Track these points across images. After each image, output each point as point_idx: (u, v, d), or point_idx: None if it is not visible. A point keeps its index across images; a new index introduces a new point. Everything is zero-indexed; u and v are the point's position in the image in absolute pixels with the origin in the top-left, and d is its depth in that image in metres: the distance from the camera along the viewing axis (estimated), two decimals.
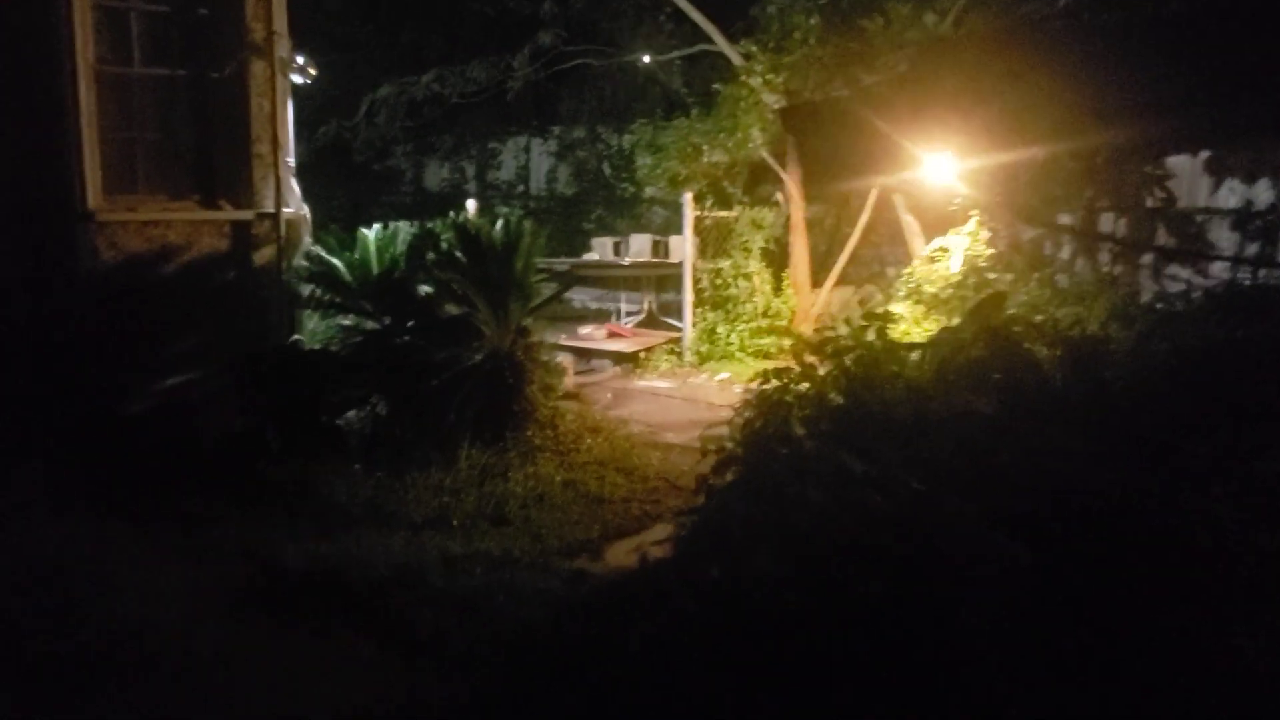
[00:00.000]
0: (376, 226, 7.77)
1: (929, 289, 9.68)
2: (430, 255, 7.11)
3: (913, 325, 9.38)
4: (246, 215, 7.57)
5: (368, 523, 5.64)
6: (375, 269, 7.49)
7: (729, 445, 6.04)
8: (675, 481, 6.81)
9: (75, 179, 6.62)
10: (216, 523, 5.50)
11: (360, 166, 18.45)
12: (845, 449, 4.85)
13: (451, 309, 6.76)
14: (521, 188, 21.86)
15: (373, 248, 7.58)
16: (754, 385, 7.00)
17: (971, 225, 9.58)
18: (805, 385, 6.38)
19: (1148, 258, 10.71)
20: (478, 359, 6.94)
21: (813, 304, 11.76)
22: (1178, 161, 10.25)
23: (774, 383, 6.32)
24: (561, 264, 12.77)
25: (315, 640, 4.33)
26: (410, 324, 6.98)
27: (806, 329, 11.44)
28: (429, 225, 7.47)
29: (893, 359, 5.99)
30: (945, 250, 9.74)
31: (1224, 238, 9.83)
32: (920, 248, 10.79)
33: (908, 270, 10.28)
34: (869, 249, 12.75)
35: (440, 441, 6.63)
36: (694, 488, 6.35)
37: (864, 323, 9.08)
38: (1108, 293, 9.75)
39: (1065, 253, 11.58)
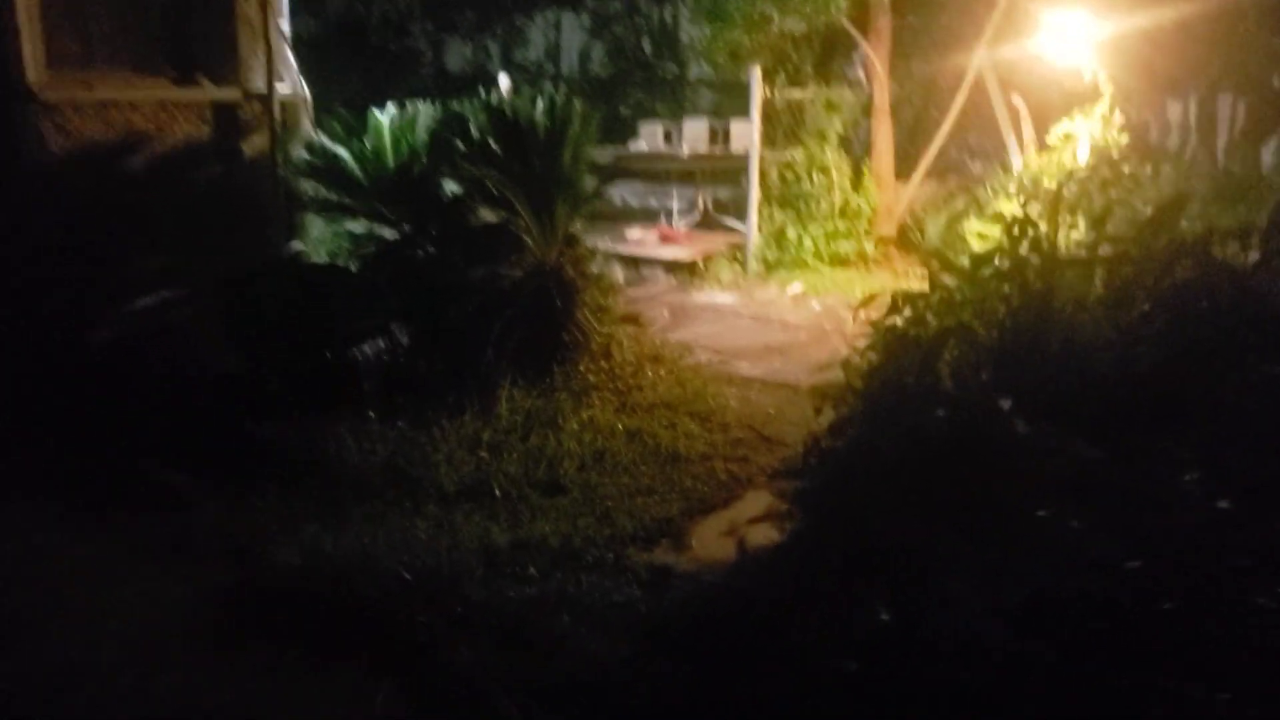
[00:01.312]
0: (391, 108, 6.47)
1: (1048, 184, 8.29)
2: (458, 145, 5.82)
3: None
4: (231, 95, 6.29)
5: (387, 495, 4.51)
6: (391, 162, 6.21)
7: (847, 398, 4.87)
8: (762, 430, 5.63)
9: (9, 49, 5.35)
10: (197, 503, 4.37)
11: (376, 48, 16.94)
12: (1036, 417, 3.64)
13: (486, 214, 5.52)
14: (551, 68, 20.31)
15: (387, 136, 6.29)
16: (866, 313, 5.81)
17: (1103, 107, 8.12)
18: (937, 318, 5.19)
19: None
20: (518, 276, 5.72)
21: (897, 201, 10.39)
22: None
23: (901, 315, 5.10)
24: (604, 155, 11.41)
25: (311, 684, 3.23)
26: (435, 233, 5.74)
27: (890, 229, 10.12)
28: (455, 107, 6.16)
29: (1055, 279, 4.74)
30: (1068, 138, 8.31)
31: None
32: (1029, 136, 9.35)
33: (1022, 162, 8.86)
34: (957, 140, 11.30)
35: (475, 381, 5.47)
36: (799, 447, 5.19)
37: (992, 230, 7.63)
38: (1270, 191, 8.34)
39: (1194, 141, 10.11)
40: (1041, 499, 3.39)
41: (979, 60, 9.59)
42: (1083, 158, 8.13)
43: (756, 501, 4.73)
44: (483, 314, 5.56)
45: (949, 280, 5.04)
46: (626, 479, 4.82)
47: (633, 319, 7.24)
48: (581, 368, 5.96)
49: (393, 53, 18.06)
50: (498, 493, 4.61)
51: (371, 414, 5.16)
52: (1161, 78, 8.65)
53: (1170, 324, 4.17)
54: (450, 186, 5.87)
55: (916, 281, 9.04)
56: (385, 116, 6.37)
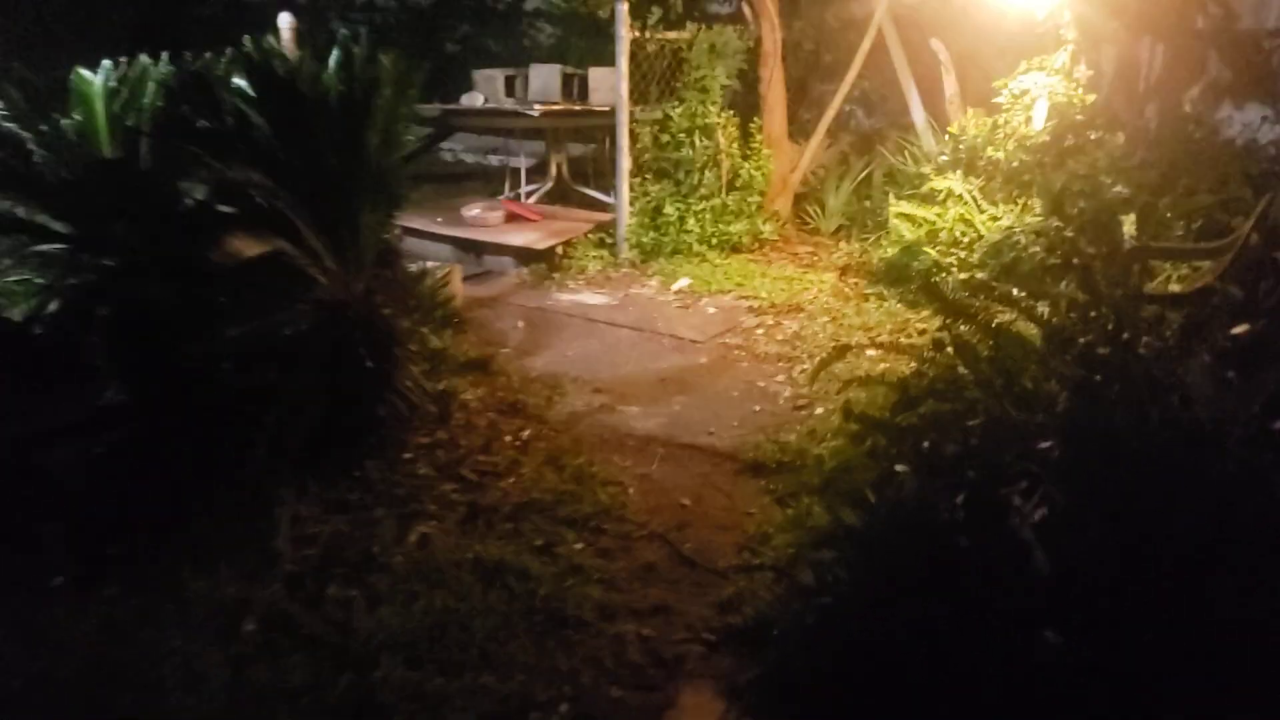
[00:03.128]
0: (106, 65, 4.48)
1: (994, 154, 6.88)
2: (203, 125, 3.91)
3: (974, 213, 6.62)
4: None
5: None
6: (106, 149, 4.25)
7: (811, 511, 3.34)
8: (679, 543, 4.00)
9: None
10: None
11: None
12: None
13: (247, 245, 3.62)
14: None
15: (101, 110, 4.32)
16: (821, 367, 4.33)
17: (1064, 57, 6.73)
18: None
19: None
20: (304, 328, 3.88)
21: (793, 167, 8.85)
22: None
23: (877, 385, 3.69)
24: (430, 110, 9.45)
25: None
26: (171, 264, 3.82)
27: (785, 204, 8.59)
28: (200, 65, 4.23)
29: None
30: (1018, 96, 6.90)
31: None
32: (952, 92, 7.93)
33: (951, 127, 7.43)
34: (855, 93, 9.87)
35: (240, 497, 3.64)
36: (738, 577, 3.61)
37: (924, 214, 6.30)
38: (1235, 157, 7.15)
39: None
40: None
41: None
42: (1039, 121, 6.73)
43: (697, 710, 3.09)
44: (250, 391, 3.70)
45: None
46: (485, 678, 3.11)
47: (482, 364, 5.44)
48: (408, 454, 4.20)
49: None
50: None
51: (59, 579, 3.27)
52: (1142, 19, 7.32)
53: None
54: (195, 190, 3.95)
55: (827, 274, 7.57)
56: (98, 78, 4.39)
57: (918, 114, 8.70)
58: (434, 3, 17.73)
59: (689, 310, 7.10)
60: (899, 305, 6.63)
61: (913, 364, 5.59)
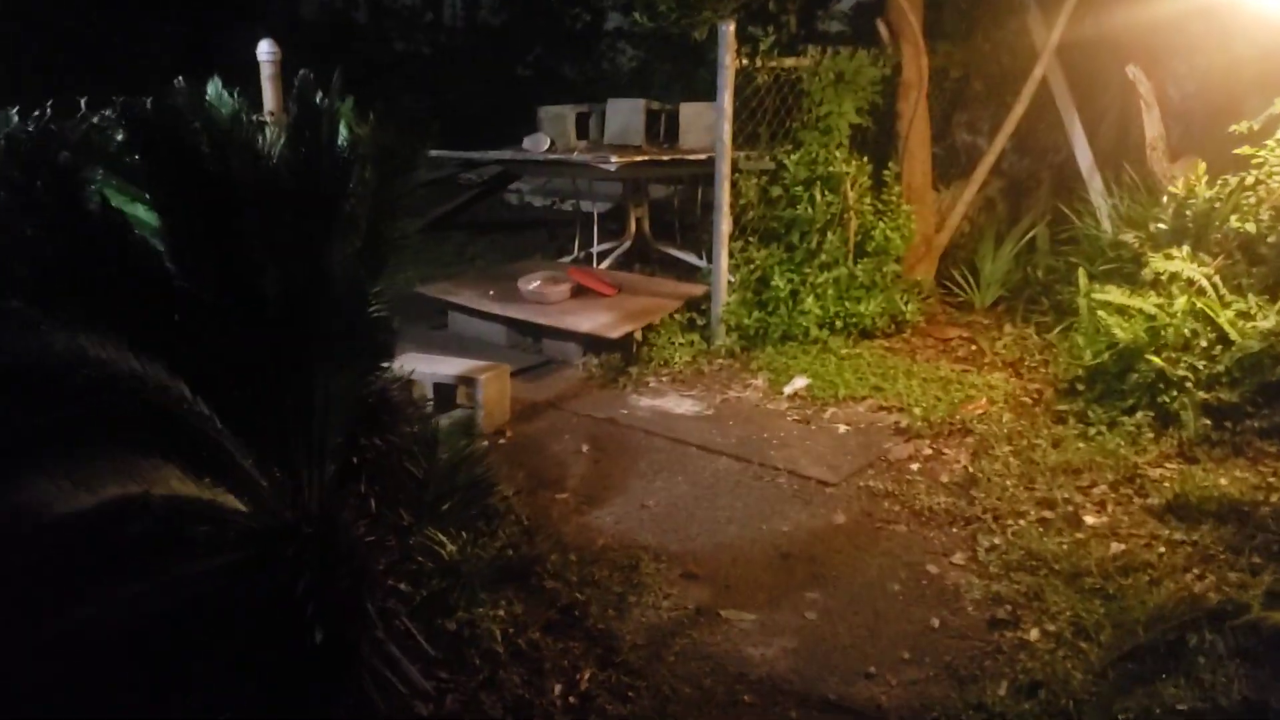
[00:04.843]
0: None
1: (1240, 226, 5.14)
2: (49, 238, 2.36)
3: (1215, 307, 4.90)
4: None
5: None
6: None
7: None
8: None
9: None
10: None
11: None
12: None
13: (75, 495, 2.05)
14: (430, 16, 16.79)
15: None
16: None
17: None
18: None
19: None
20: (206, 590, 2.31)
21: (939, 226, 7.18)
22: None
23: None
24: (486, 159, 7.99)
25: None
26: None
27: (928, 270, 6.92)
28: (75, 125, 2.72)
29: None
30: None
31: None
32: (1156, 133, 6.20)
33: (1174, 186, 5.69)
34: (972, 125, 8.23)
35: None
36: None
37: (1143, 304, 4.35)
38: None
39: None
40: None
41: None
42: None
43: None
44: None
45: None
46: None
47: (523, 568, 3.78)
48: None
49: None
50: None
51: None
52: None
53: None
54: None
55: (996, 375, 5.86)
56: None
57: (1083, 156, 7.00)
58: (507, 23, 16.45)
59: (810, 427, 5.44)
60: (1114, 436, 4.89)
61: (1163, 549, 3.93)
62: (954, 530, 4.30)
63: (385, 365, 3.03)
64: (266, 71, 4.42)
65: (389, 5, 16.64)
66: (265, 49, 4.49)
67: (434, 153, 8.32)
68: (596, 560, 3.99)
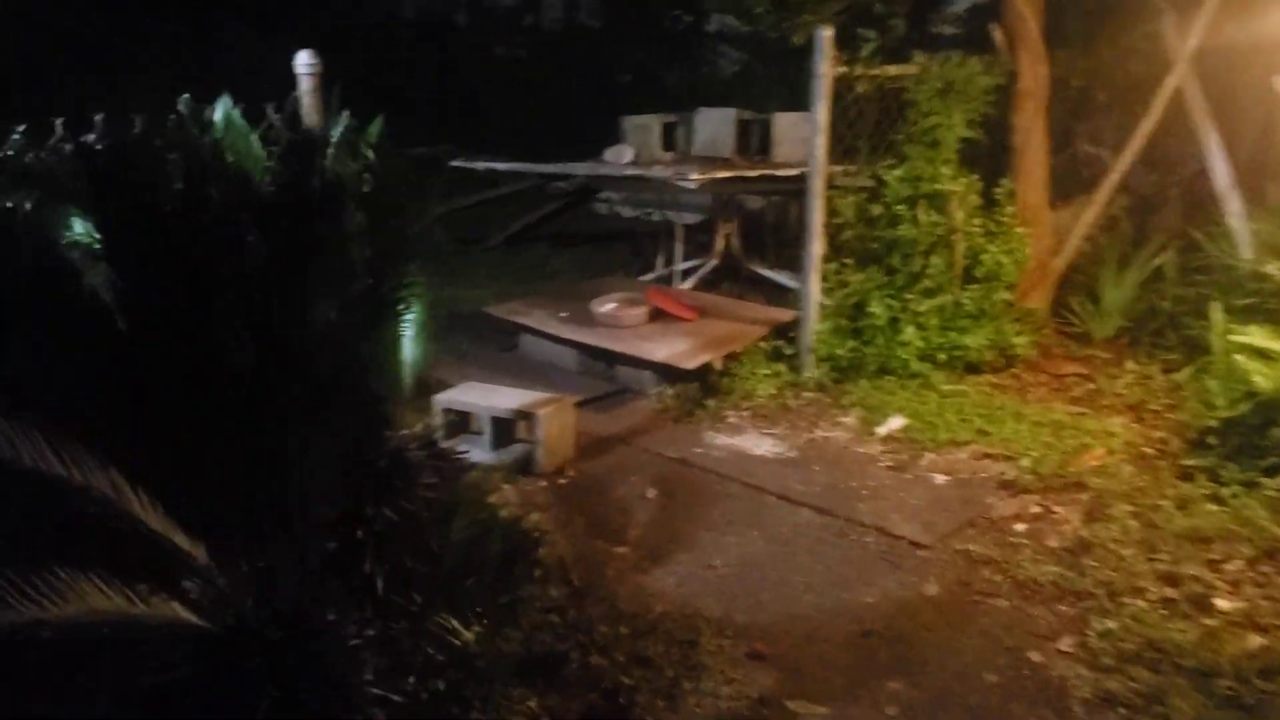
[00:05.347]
0: None
1: None
2: None
3: None
4: None
5: None
6: None
7: None
8: None
9: None
10: None
11: None
12: None
13: None
14: (530, 19, 16.59)
15: None
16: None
17: None
18: None
19: None
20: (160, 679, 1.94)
21: (1055, 249, 6.59)
22: None
23: None
24: (561, 172, 7.65)
25: None
26: None
27: (1043, 298, 6.35)
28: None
29: None
30: None
31: None
32: None
33: None
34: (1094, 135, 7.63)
35: None
36: None
37: None
38: None
39: None
40: None
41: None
42: None
43: None
44: None
45: None
46: None
47: (554, 661, 3.36)
48: None
49: None
50: None
51: None
52: None
53: None
54: None
55: (1115, 419, 5.28)
56: None
57: (1220, 174, 6.34)
58: (604, 27, 16.15)
59: (904, 476, 4.93)
60: (1251, 501, 4.28)
61: None
62: (1062, 608, 3.77)
63: (388, 432, 2.64)
64: (305, 85, 4.10)
65: (490, 4, 16.51)
66: (304, 60, 4.15)
67: (506, 166, 8.02)
68: (651, 632, 3.57)
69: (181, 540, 1.86)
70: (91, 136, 2.28)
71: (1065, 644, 3.55)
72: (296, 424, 2.01)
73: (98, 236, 1.98)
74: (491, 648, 2.82)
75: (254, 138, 2.64)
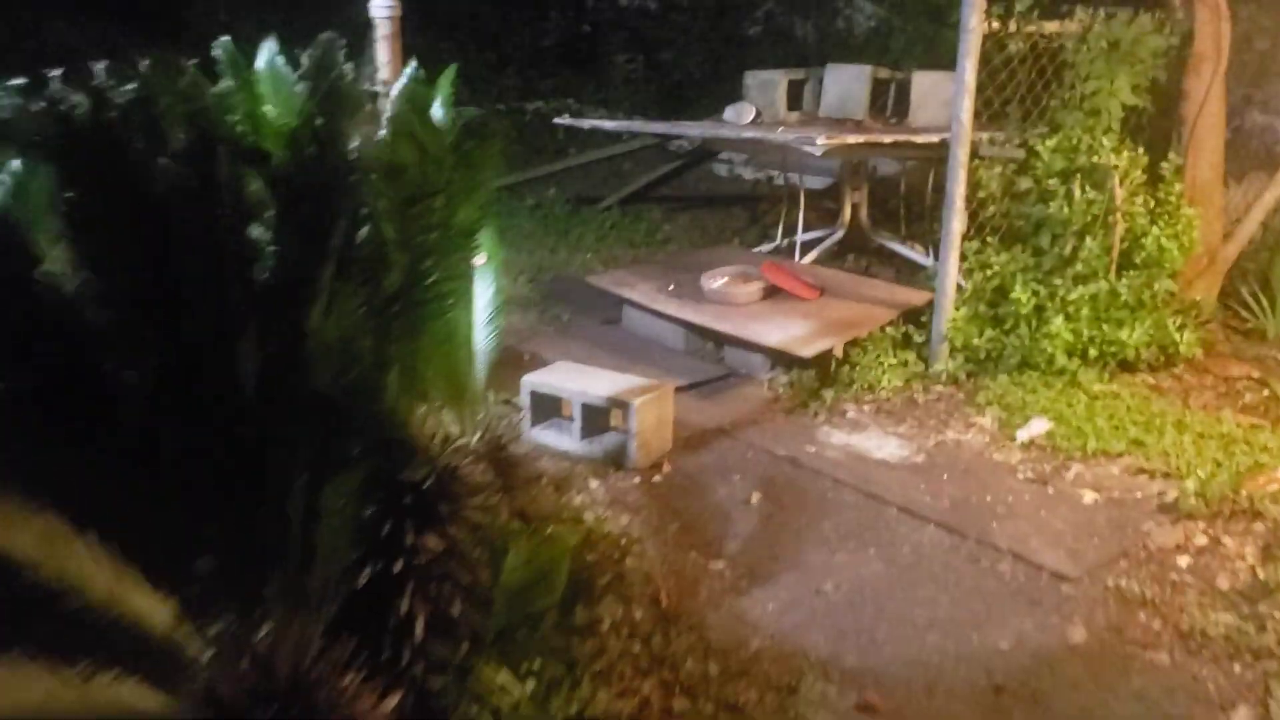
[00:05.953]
0: None
1: None
2: None
3: None
4: None
5: None
6: None
7: None
8: None
9: None
10: None
11: None
12: None
13: None
14: None
15: None
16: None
17: None
18: None
19: None
20: None
21: (1226, 233, 5.87)
22: None
23: None
24: (675, 132, 7.16)
25: None
26: None
27: (1210, 288, 5.65)
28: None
29: None
30: None
31: None
32: None
33: None
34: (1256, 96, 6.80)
35: None
36: None
37: None
38: None
39: None
40: None
41: None
42: None
43: None
44: None
45: None
46: None
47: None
48: None
49: None
50: None
51: None
52: None
53: None
54: None
55: None
56: None
57: None
58: None
59: (1047, 490, 4.36)
60: None
61: None
62: (1236, 668, 3.20)
63: (426, 449, 2.24)
64: (382, 30, 3.71)
65: None
66: (381, 5, 3.75)
67: (614, 124, 7.57)
68: (745, 672, 3.14)
69: (139, 602, 1.49)
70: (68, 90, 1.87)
71: (1241, 717, 2.99)
72: (285, 460, 1.62)
73: (67, 218, 1.62)
74: (547, 708, 2.41)
75: (297, 90, 2.23)
